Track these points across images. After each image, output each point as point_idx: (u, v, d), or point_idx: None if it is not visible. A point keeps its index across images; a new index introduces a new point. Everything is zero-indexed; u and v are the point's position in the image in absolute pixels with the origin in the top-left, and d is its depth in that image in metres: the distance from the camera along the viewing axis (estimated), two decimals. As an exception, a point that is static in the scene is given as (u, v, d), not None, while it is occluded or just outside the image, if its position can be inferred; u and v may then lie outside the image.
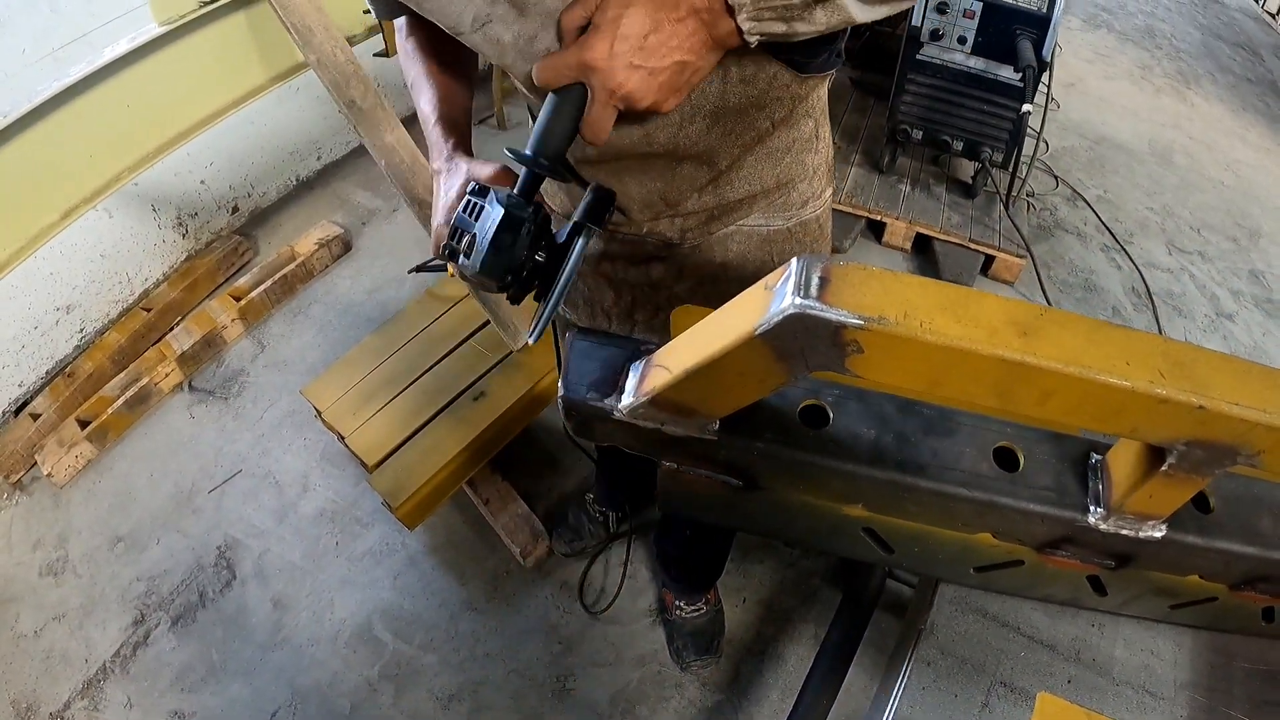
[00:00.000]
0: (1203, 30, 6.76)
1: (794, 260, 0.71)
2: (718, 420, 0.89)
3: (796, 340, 0.71)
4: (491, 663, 2.38)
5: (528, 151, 0.96)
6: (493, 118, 4.44)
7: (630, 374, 0.91)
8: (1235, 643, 2.26)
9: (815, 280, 0.69)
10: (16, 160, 2.29)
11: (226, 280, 3.53)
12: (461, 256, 0.99)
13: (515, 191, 0.99)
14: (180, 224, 3.48)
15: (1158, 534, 0.89)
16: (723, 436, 0.90)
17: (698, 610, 2.38)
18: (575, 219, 0.99)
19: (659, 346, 0.89)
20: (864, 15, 0.91)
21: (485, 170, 1.09)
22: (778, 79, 1.13)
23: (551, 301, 0.99)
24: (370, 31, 2.74)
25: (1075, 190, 4.36)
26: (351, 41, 2.69)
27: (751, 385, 0.80)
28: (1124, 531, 0.90)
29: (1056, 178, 4.40)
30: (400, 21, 1.32)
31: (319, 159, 4.10)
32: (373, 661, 2.39)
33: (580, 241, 0.98)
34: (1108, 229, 4.11)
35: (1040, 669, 2.34)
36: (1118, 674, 2.35)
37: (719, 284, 1.39)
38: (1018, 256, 3.58)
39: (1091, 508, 0.90)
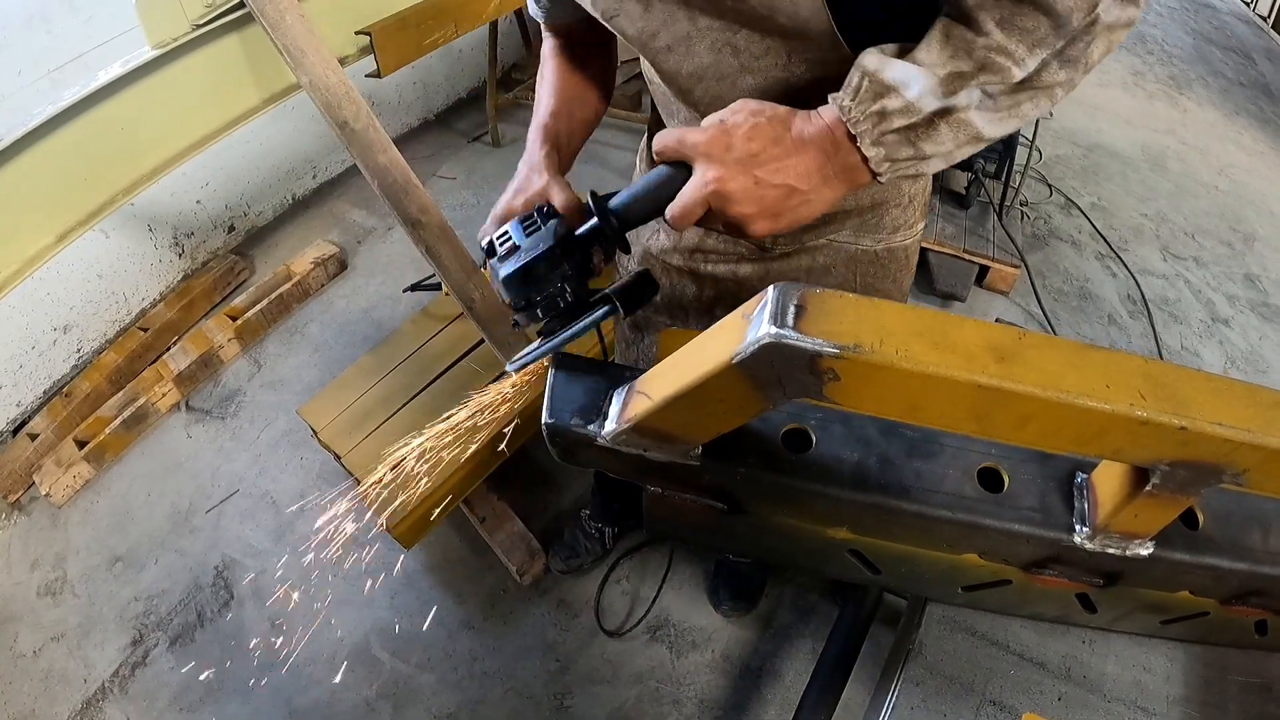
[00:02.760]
0: (1194, 35, 6.77)
1: (771, 288, 0.72)
2: (700, 446, 0.89)
3: (773, 369, 0.71)
4: (489, 681, 2.37)
5: (611, 205, 0.98)
6: (487, 135, 4.46)
7: (613, 400, 0.91)
8: (1229, 656, 2.25)
9: (791, 308, 0.70)
10: (12, 183, 2.29)
11: (223, 300, 3.54)
12: (496, 260, 1.01)
13: (576, 233, 1.00)
14: (177, 244, 3.49)
15: (1145, 552, 0.89)
16: (705, 462, 0.90)
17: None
18: (611, 291, 1.00)
19: (641, 372, 0.89)
20: (992, 132, 0.90)
21: (560, 196, 1.09)
22: None
23: (544, 348, 1.00)
24: (362, 53, 2.74)
25: (1069, 198, 4.36)
26: (344, 63, 2.70)
27: (731, 413, 0.80)
28: (1111, 550, 0.90)
29: (1050, 186, 4.40)
30: (548, 45, 1.37)
31: (314, 178, 4.11)
32: (370, 681, 2.38)
33: (601, 312, 0.99)
34: (1102, 237, 4.11)
35: (1030, 687, 2.32)
36: (1109, 690, 2.33)
37: None
38: (1012, 266, 3.58)
39: (1077, 527, 0.90)
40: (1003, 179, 3.66)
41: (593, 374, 0.95)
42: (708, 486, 0.95)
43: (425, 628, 2.48)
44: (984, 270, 3.63)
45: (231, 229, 3.75)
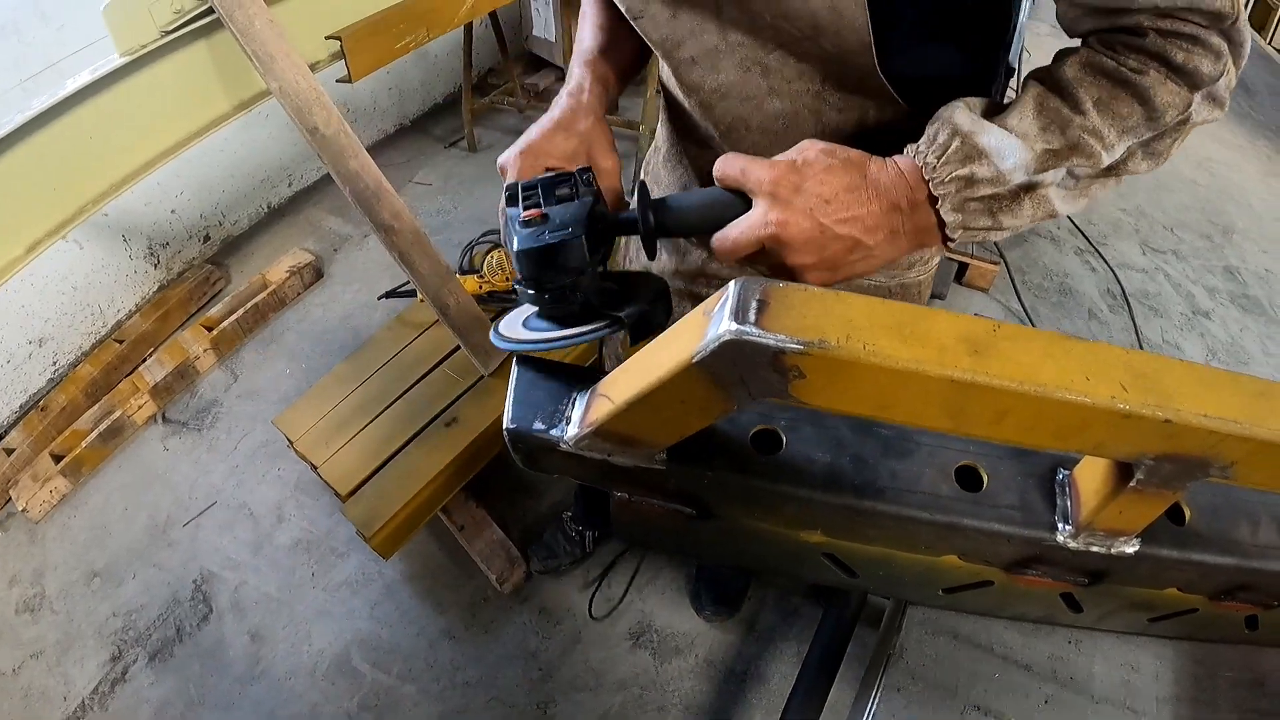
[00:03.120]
0: (1170, 31, 6.80)
1: (732, 283, 0.69)
2: (665, 449, 0.87)
3: (735, 367, 0.68)
4: (471, 691, 2.34)
5: (658, 205, 0.91)
6: (463, 140, 4.44)
7: (576, 403, 0.88)
8: (1218, 652, 2.23)
9: (753, 304, 0.67)
10: (-20, 193, 2.27)
11: (199, 310, 3.51)
12: (518, 218, 0.90)
13: (614, 217, 0.93)
14: (152, 254, 3.46)
15: (1130, 550, 0.87)
16: (671, 466, 0.87)
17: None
18: (625, 315, 0.92)
19: (604, 373, 0.87)
20: (1065, 210, 0.88)
21: (605, 158, 1.04)
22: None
23: (541, 345, 0.93)
24: (334, 58, 2.71)
25: (1047, 194, 4.35)
26: (315, 68, 2.66)
27: (694, 414, 0.77)
28: (1095, 549, 0.88)
29: (1028, 182, 4.39)
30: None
31: (290, 185, 4.08)
32: (352, 693, 2.35)
33: (605, 332, 0.92)
34: (1081, 232, 4.12)
35: (1016, 690, 2.30)
36: (1097, 691, 2.31)
37: None
38: (991, 263, 3.58)
39: (1060, 526, 0.88)
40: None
41: (557, 376, 0.93)
42: (675, 491, 0.92)
43: (406, 638, 2.46)
44: (963, 267, 3.63)
45: (207, 238, 3.72)
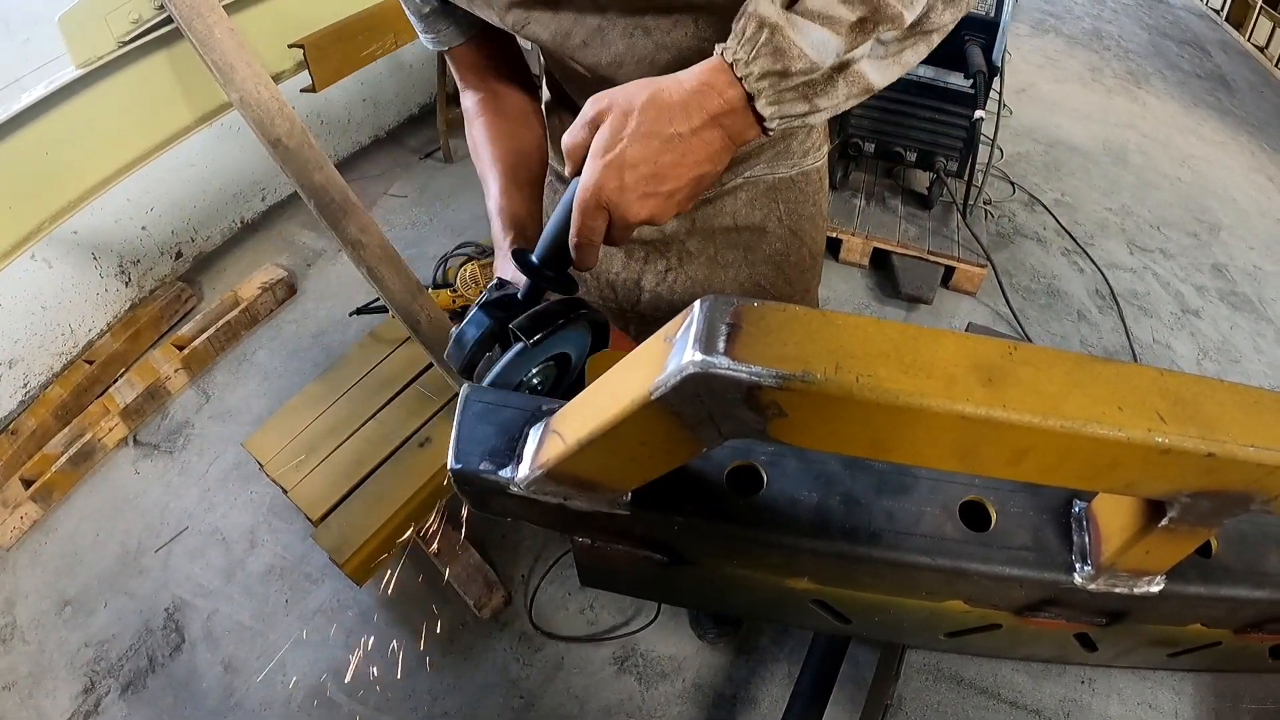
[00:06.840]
0: (1150, 30, 6.84)
1: (697, 304, 0.61)
2: (629, 492, 0.78)
3: (702, 405, 0.60)
4: (451, 721, 2.28)
5: (534, 258, 0.93)
6: (439, 151, 4.39)
7: (529, 440, 0.79)
8: (1240, 683, 2.16)
9: (722, 328, 0.58)
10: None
11: (170, 329, 3.43)
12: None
13: (519, 294, 0.97)
14: (123, 272, 3.38)
15: (1155, 589, 0.80)
16: (636, 511, 0.79)
17: None
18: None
19: (561, 406, 0.78)
20: (880, 81, 0.86)
21: None
22: None
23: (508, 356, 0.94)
24: (299, 68, 2.64)
25: (1032, 195, 4.35)
26: (280, 78, 2.60)
27: (657, 457, 0.69)
28: (1117, 590, 0.80)
29: (1013, 184, 4.38)
30: (468, 104, 1.28)
31: (263, 200, 4.01)
32: (327, 725, 2.28)
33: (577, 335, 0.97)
34: (1068, 232, 4.10)
35: (1026, 738, 2.22)
36: (1114, 734, 2.23)
37: (729, 234, 1.41)
38: (978, 266, 3.54)
39: (1078, 566, 0.80)
40: (965, 178, 3.61)
41: (509, 407, 0.84)
42: (641, 537, 0.84)
43: (382, 667, 2.38)
44: (950, 271, 3.60)
45: (179, 255, 3.64)
